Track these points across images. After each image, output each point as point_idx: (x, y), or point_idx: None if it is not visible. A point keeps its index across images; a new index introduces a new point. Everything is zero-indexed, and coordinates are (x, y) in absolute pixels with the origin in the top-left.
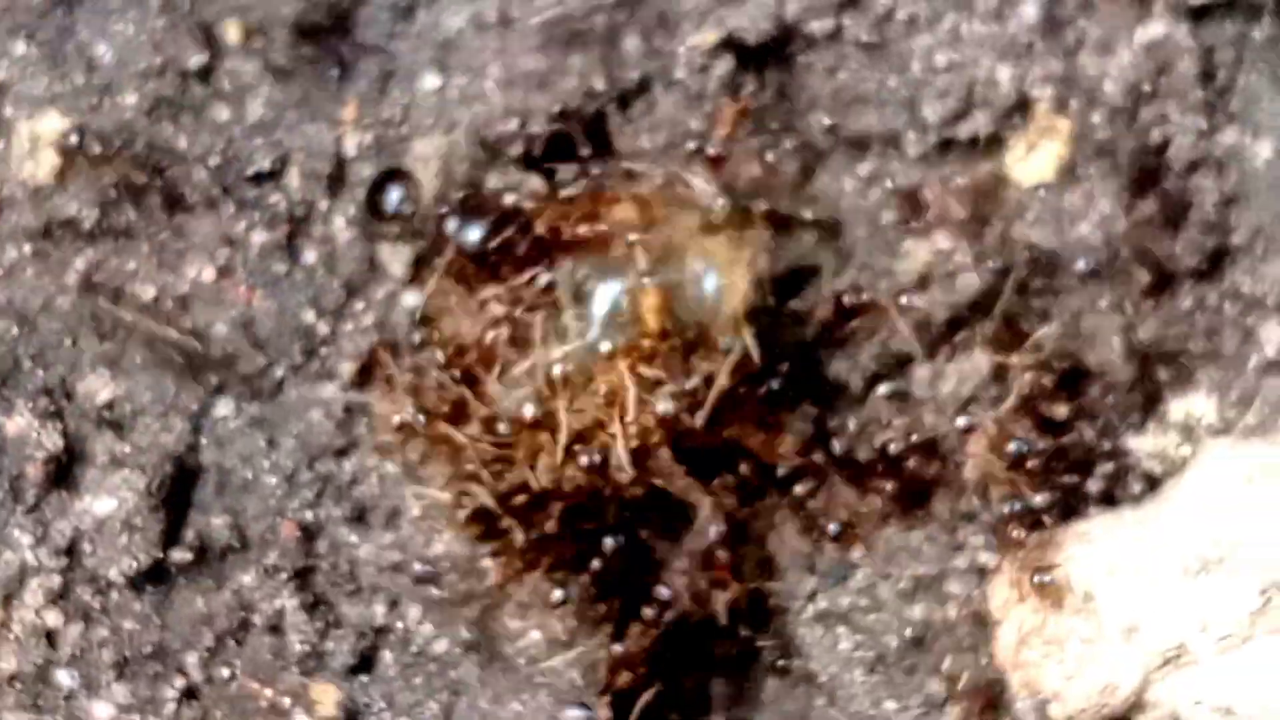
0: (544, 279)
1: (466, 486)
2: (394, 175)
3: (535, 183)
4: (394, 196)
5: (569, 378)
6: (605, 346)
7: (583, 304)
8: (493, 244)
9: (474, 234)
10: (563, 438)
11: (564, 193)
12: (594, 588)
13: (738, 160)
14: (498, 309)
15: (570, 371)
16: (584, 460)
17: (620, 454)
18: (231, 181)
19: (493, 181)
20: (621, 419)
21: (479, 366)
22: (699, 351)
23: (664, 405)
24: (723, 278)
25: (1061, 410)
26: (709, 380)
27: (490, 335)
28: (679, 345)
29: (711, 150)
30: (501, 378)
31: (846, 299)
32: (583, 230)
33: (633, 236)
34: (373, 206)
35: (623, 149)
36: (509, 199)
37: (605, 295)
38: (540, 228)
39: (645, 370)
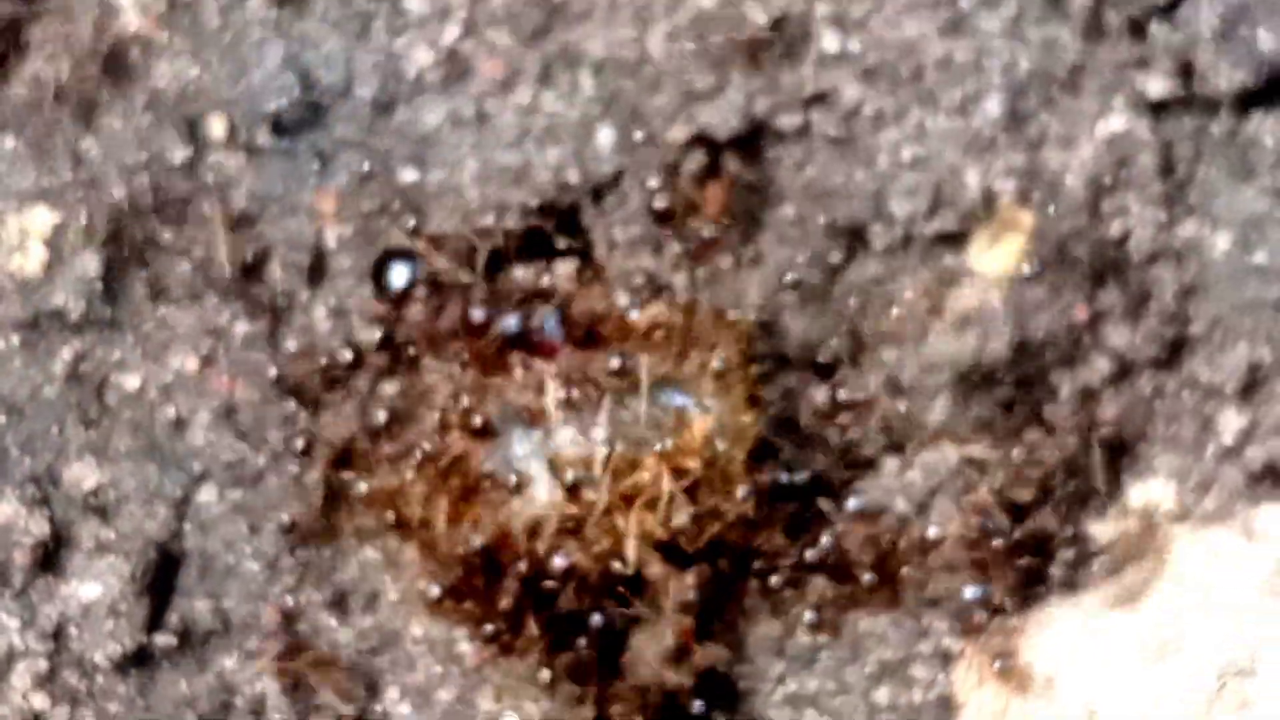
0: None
1: (443, 571)
2: (396, 254)
3: (567, 268)
4: (400, 274)
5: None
6: (658, 445)
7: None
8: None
9: (511, 322)
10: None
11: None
12: (573, 670)
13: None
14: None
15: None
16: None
17: (630, 547)
18: (214, 273)
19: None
20: (643, 507)
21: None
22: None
23: (680, 518)
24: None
25: (1025, 496)
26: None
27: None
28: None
29: (705, 234)
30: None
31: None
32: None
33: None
34: (380, 288)
35: (597, 241)
36: (542, 281)
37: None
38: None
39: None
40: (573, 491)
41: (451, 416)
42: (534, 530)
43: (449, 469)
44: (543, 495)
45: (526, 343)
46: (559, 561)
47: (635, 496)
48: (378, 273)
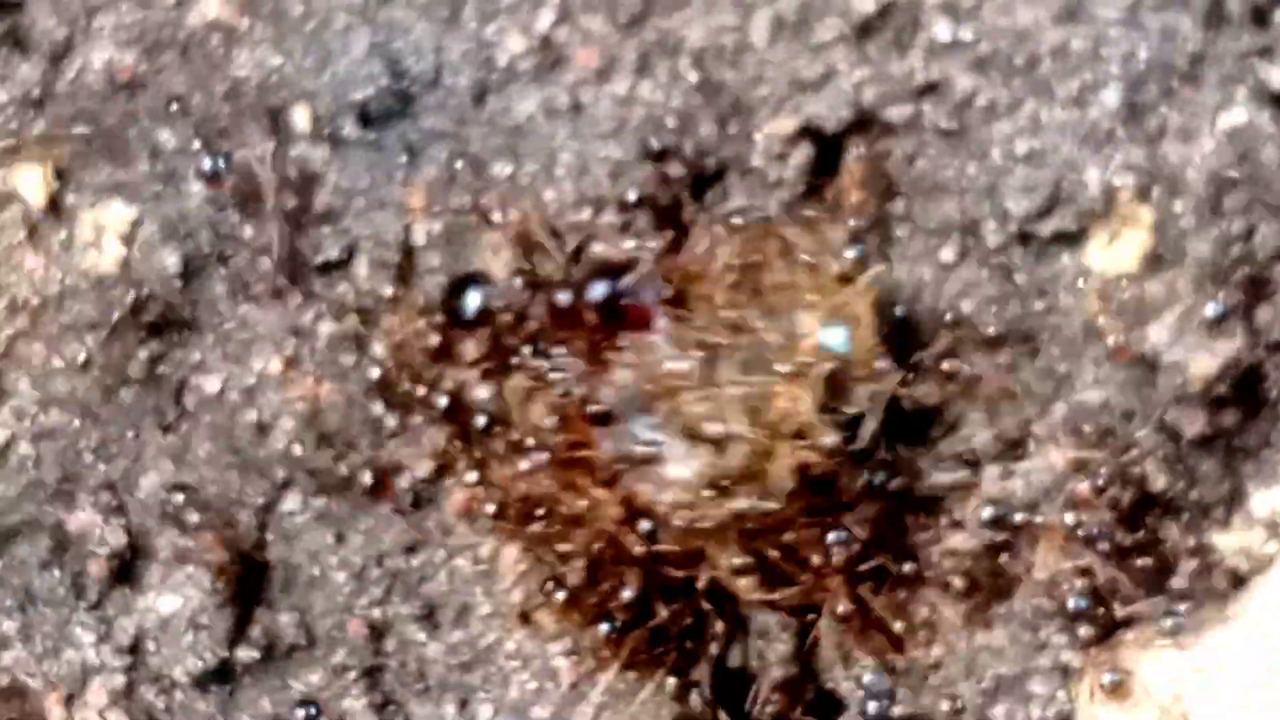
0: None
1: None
2: (469, 279)
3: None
4: (473, 300)
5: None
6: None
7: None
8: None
9: (600, 289)
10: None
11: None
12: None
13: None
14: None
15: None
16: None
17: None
18: (298, 271)
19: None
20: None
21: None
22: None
23: (830, 438)
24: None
25: (1144, 506)
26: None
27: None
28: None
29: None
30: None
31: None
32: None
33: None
34: (452, 314)
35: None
36: (628, 249)
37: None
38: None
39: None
40: (718, 445)
41: (566, 407)
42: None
43: (568, 461)
44: (681, 465)
45: (619, 314)
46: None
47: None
48: (449, 299)
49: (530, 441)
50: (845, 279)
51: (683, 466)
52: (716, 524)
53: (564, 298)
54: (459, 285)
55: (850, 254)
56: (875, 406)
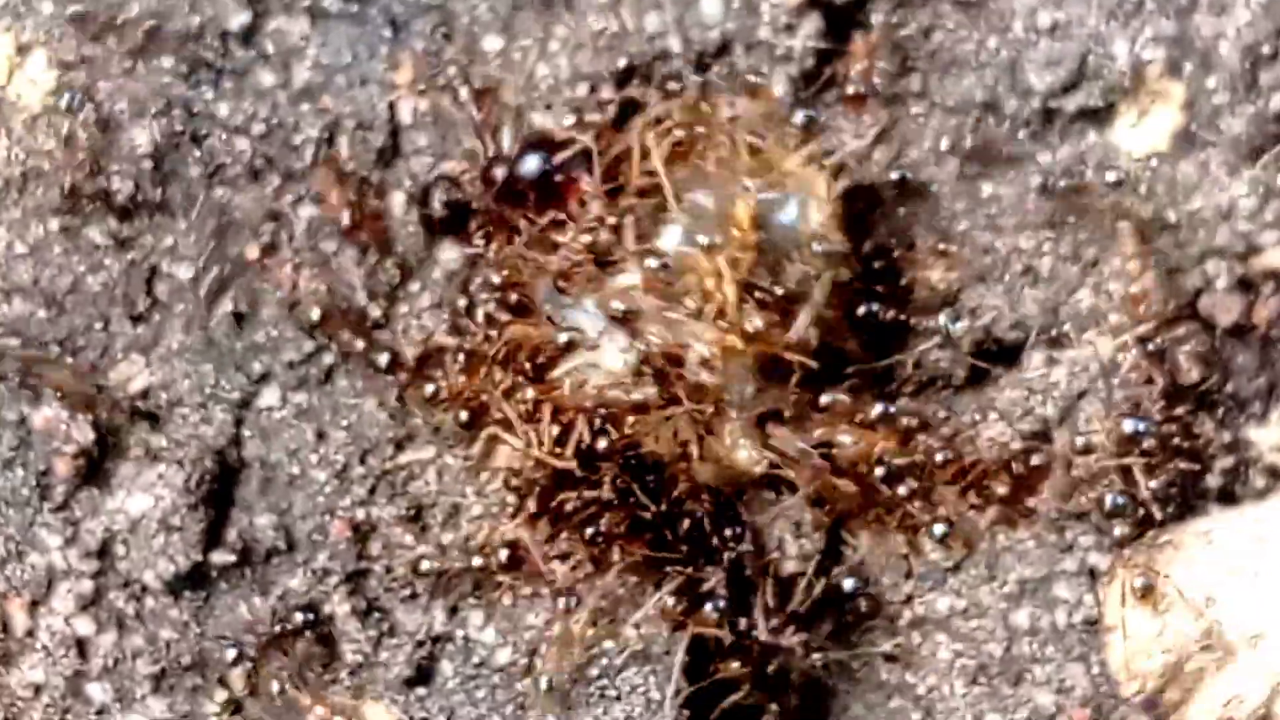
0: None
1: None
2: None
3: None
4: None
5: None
6: (705, 240)
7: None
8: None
9: (533, 164)
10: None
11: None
12: (675, 590)
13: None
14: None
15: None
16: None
17: (705, 349)
18: (277, 152)
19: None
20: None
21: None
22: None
23: (754, 322)
24: (805, 201)
25: (1178, 400)
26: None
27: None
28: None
29: (851, 89)
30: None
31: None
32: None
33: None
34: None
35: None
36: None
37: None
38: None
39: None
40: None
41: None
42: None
43: (517, 351)
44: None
45: (552, 190)
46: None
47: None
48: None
49: (485, 333)
50: (795, 148)
51: (614, 353)
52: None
53: (499, 173)
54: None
55: (798, 119)
56: (816, 290)
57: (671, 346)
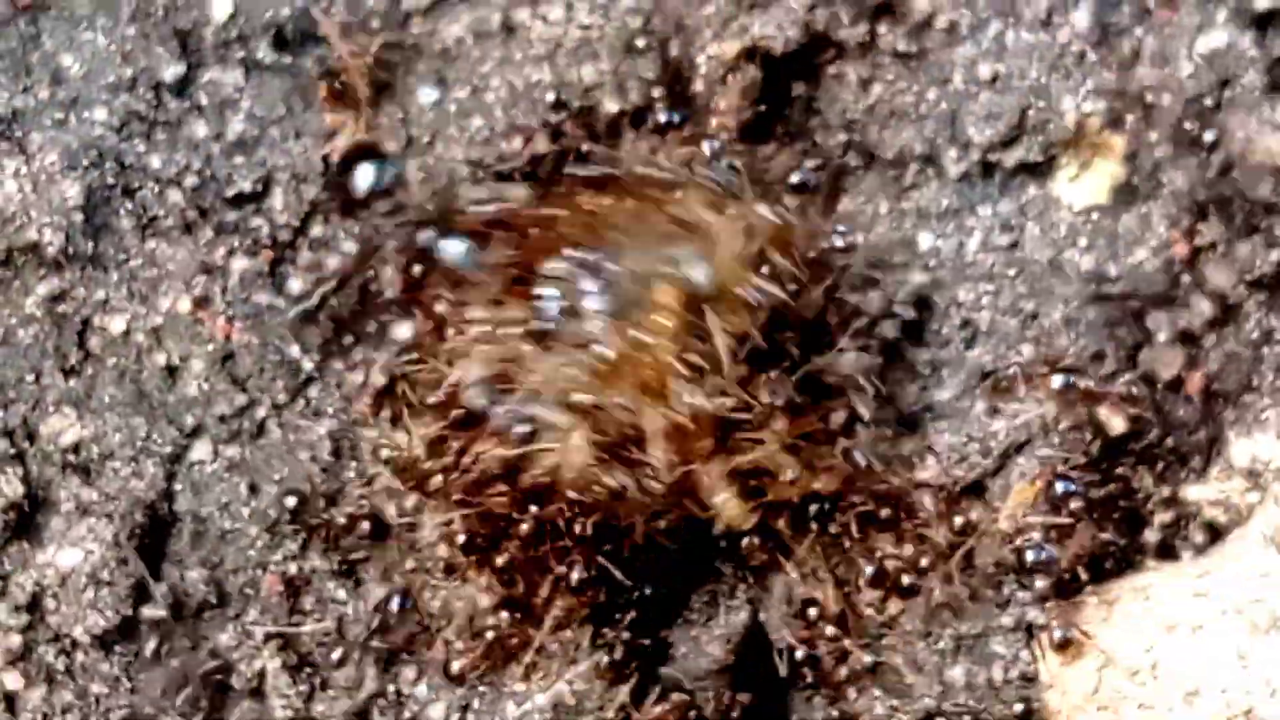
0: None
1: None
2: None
3: (519, 191)
4: (366, 175)
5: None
6: (634, 336)
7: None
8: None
9: (456, 248)
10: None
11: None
12: (609, 648)
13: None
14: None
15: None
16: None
17: (658, 450)
18: (210, 203)
19: (475, 193)
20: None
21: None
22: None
23: (692, 399)
24: (711, 260)
25: (1117, 454)
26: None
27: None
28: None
29: (725, 137)
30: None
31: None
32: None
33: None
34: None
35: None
36: (490, 209)
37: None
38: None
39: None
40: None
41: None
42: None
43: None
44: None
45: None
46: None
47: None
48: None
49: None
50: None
51: (574, 441)
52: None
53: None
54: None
55: (712, 177)
56: (728, 336)
57: (627, 430)
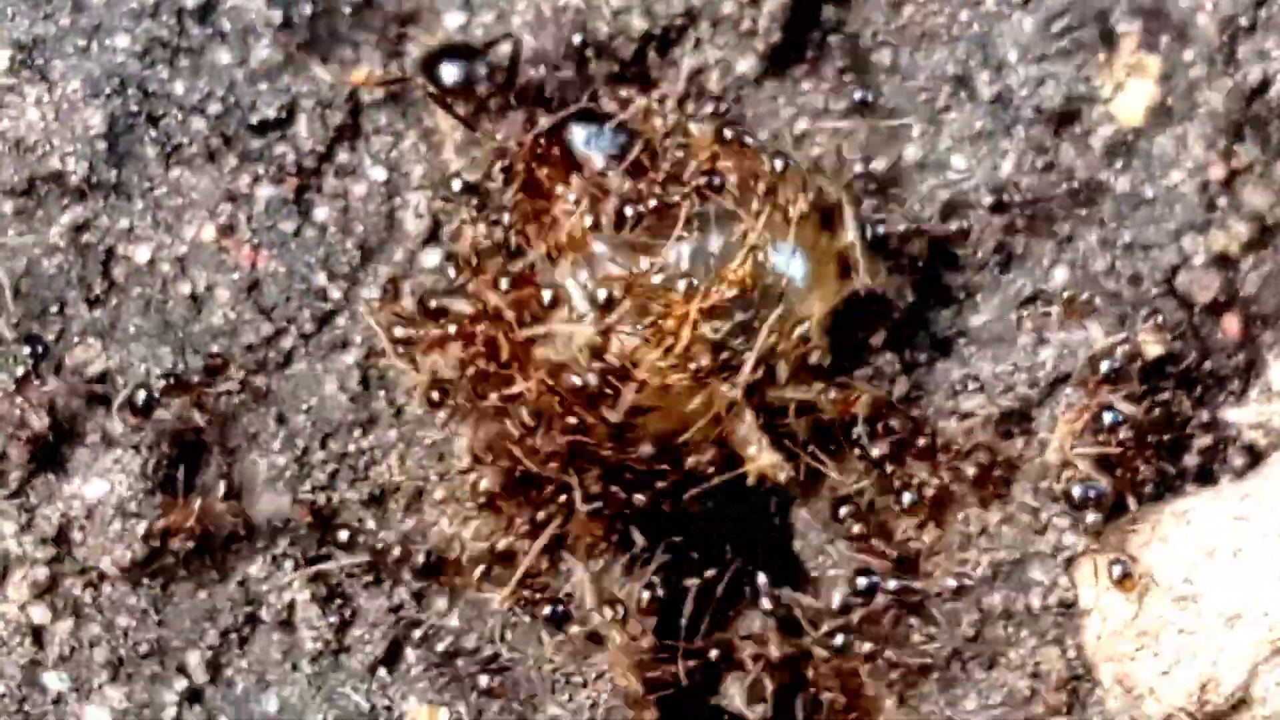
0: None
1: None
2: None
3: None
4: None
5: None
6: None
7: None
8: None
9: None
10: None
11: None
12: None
13: None
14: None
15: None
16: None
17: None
18: (234, 131)
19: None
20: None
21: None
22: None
23: (701, 362)
24: (811, 268)
25: (1155, 378)
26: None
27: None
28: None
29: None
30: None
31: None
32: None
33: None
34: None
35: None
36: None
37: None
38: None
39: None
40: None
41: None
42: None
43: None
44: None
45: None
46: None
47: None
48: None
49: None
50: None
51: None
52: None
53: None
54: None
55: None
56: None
57: (624, 360)
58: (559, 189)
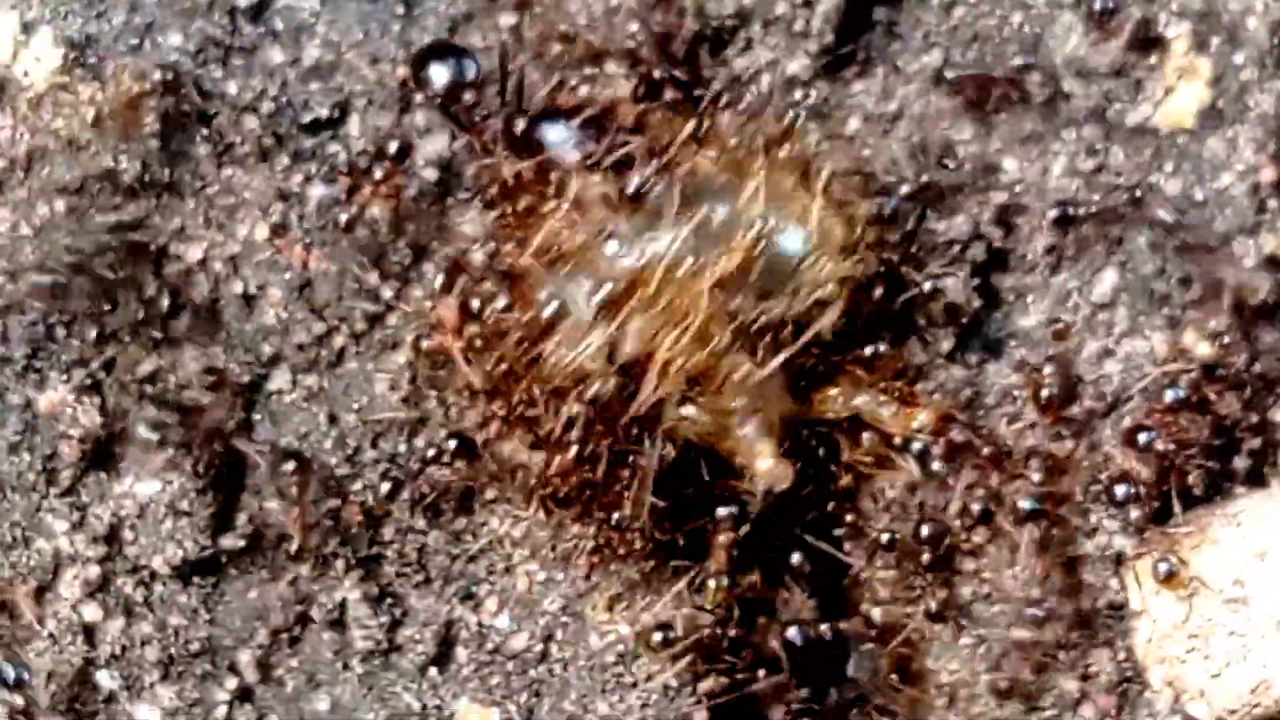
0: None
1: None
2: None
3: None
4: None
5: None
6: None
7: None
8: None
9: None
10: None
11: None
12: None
13: None
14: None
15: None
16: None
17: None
18: (286, 130)
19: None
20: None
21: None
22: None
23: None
24: (814, 241)
25: (1205, 380)
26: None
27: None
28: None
29: None
30: None
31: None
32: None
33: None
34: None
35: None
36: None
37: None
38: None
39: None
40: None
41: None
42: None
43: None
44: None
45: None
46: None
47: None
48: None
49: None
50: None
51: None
52: None
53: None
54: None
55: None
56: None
57: (642, 349)
58: (546, 197)
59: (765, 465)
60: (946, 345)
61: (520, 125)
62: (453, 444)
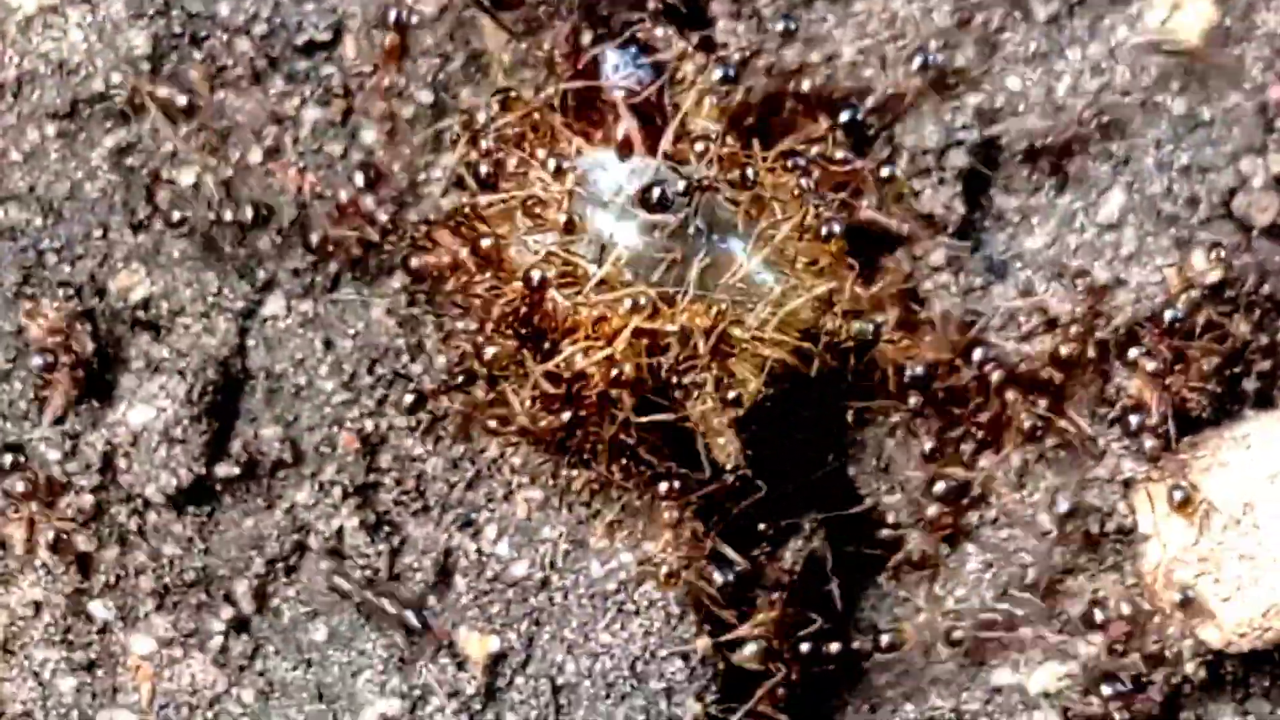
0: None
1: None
2: None
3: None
4: None
5: None
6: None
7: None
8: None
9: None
10: None
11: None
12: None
13: None
14: None
15: None
16: None
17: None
18: (279, 52)
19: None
20: None
21: None
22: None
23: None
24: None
25: (1213, 302)
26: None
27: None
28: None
29: None
30: None
31: None
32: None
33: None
34: None
35: None
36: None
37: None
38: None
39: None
40: None
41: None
42: None
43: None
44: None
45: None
46: None
47: None
48: None
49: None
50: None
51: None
52: None
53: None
54: None
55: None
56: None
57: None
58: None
59: (729, 448)
60: (937, 258)
61: (589, 37)
62: (449, 370)
